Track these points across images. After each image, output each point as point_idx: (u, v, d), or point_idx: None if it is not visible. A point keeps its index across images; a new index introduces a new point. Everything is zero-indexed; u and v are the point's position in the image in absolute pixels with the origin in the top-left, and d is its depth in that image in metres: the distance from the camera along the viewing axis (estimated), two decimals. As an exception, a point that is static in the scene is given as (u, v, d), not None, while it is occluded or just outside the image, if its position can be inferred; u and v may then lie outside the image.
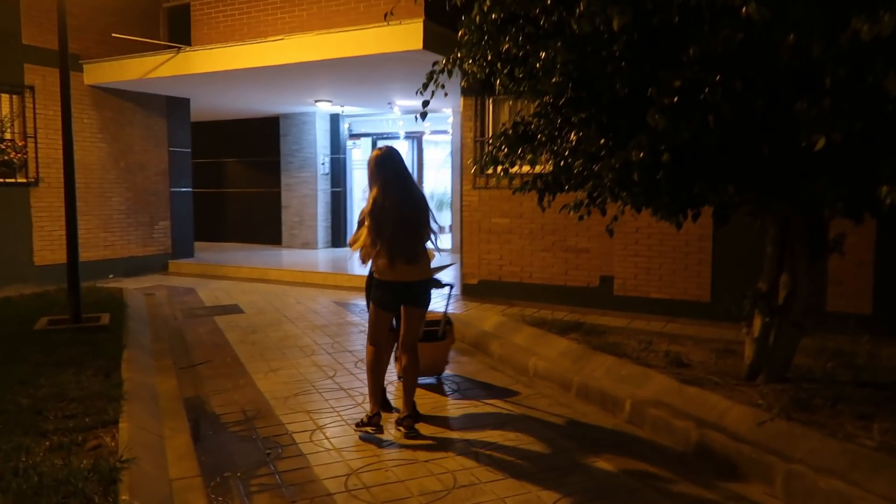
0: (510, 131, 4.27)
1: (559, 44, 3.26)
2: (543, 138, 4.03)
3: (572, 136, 3.64)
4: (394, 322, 4.69)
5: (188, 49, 9.85)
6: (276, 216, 15.15)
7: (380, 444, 4.25)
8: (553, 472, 3.82)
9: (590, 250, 8.38)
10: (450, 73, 4.17)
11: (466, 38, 4.01)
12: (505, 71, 4.08)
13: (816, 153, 2.79)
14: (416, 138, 14.68)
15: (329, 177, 14.79)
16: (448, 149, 14.43)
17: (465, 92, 9.08)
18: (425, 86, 4.18)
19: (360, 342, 6.82)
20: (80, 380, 4.61)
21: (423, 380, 5.42)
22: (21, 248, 10.06)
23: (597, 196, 4.36)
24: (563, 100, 3.60)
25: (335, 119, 14.75)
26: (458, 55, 4.10)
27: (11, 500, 2.81)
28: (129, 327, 6.38)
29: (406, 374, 4.48)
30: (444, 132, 14.39)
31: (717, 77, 2.87)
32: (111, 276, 11.29)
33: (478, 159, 4.56)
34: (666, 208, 3.65)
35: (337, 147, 14.88)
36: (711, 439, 4.04)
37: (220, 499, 3.50)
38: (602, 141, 3.51)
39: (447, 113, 13.52)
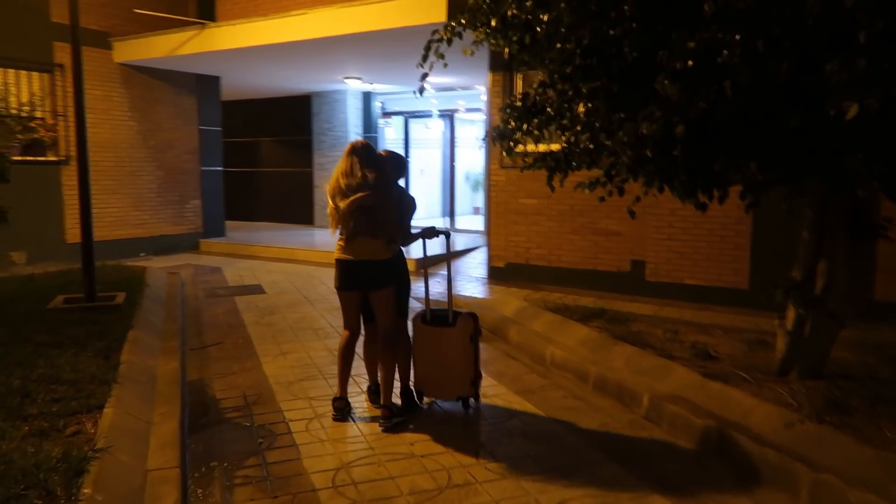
0: (519, 103, 3.94)
1: (563, 5, 2.93)
2: (552, 111, 3.69)
3: (580, 109, 3.30)
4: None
5: (212, 25, 9.73)
6: (307, 196, 15.08)
7: (377, 436, 4.04)
8: (556, 472, 3.55)
9: (621, 233, 7.99)
10: (449, 42, 3.86)
11: (471, 1, 3.71)
12: (514, 38, 3.75)
13: (849, 123, 2.41)
14: (449, 116, 14.36)
15: (361, 156, 14.59)
16: (483, 127, 14.09)
17: (493, 66, 8.73)
18: (424, 57, 3.89)
19: (375, 325, 6.60)
20: (77, 361, 4.52)
21: (445, 404, 4.56)
22: (52, 227, 10.16)
23: (614, 174, 4.01)
24: (569, 68, 3.27)
25: (367, 97, 14.53)
26: (462, 21, 3.79)
27: (-32, 490, 2.68)
28: (142, 307, 6.31)
29: (381, 364, 4.26)
30: (478, 110, 14.04)
31: (737, 37, 2.50)
32: (142, 254, 11.37)
33: (486, 134, 4.24)
34: (683, 187, 3.29)
35: (369, 126, 14.68)
36: (733, 440, 3.71)
37: (200, 491, 3.34)
38: (614, 114, 3.17)
39: (481, 90, 13.16)
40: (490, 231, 9.15)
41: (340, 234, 4.19)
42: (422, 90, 4.08)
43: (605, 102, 3.15)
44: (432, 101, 14.31)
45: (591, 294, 7.90)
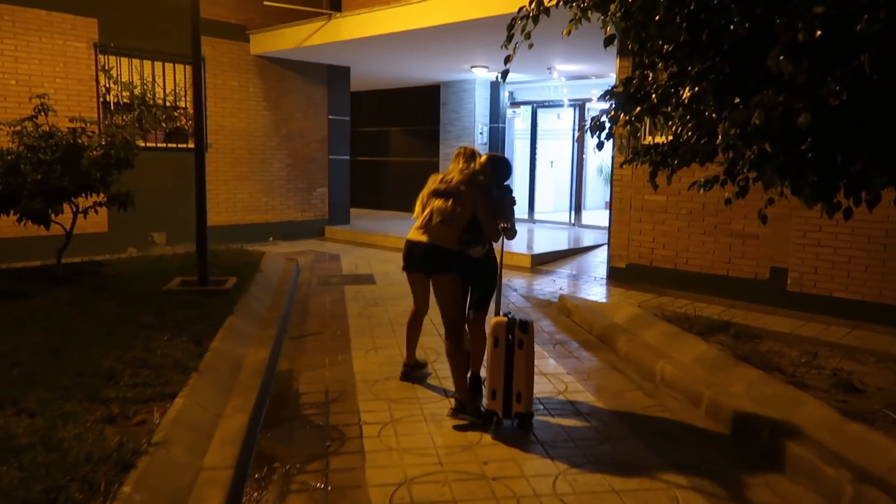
0: (619, 88, 3.45)
1: (661, -35, 2.44)
2: (656, 98, 3.17)
3: (685, 94, 2.77)
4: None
5: (338, 15, 9.82)
6: (433, 186, 15.02)
7: (449, 449, 3.74)
8: (642, 516, 3.07)
9: (759, 236, 7.13)
10: (535, 20, 3.45)
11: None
12: (618, 15, 3.26)
13: None
14: (579, 106, 13.70)
15: (487, 147, 14.32)
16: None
17: (622, 51, 8.09)
18: (509, 38, 3.49)
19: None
20: (170, 345, 4.60)
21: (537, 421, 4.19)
22: (189, 210, 10.64)
23: (737, 172, 3.41)
24: (670, 46, 2.74)
25: (495, 86, 14.21)
26: (553, -6, 3.36)
27: (19, 474, 2.69)
28: (249, 293, 6.42)
29: (446, 356, 4.27)
30: (611, 99, 13.28)
31: (880, -5, 1.91)
32: (271, 238, 11.82)
33: (585, 125, 3.77)
34: (813, 190, 2.66)
35: (496, 116, 14.35)
36: (871, 500, 3.03)
37: (256, 494, 3.21)
38: (727, 99, 2.62)
39: (614, 78, 12.41)
40: (611, 229, 8.54)
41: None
42: (504, 75, 3.69)
43: (714, 86, 2.61)
44: (563, 91, 13.72)
45: (721, 302, 7.11)
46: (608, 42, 3.23)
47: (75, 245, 9.19)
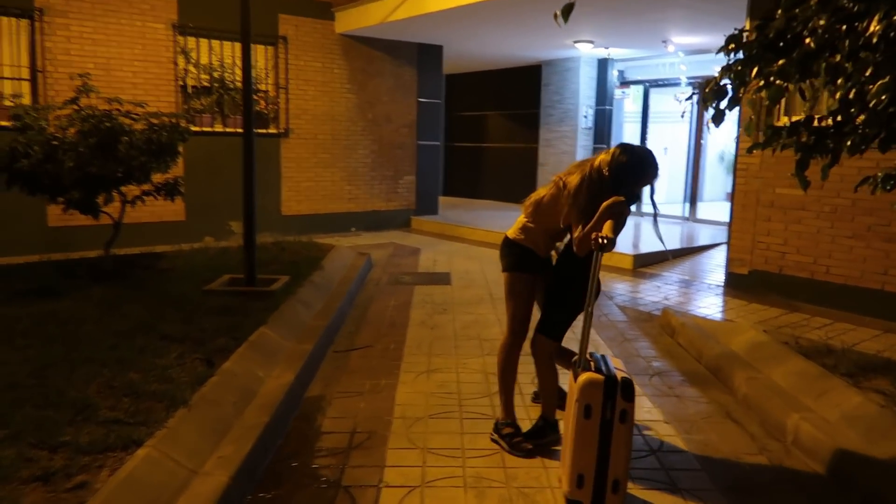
0: (751, 35, 2.28)
1: None
2: (813, 44, 1.99)
3: (873, 27, 1.59)
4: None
5: (421, -15, 8.90)
6: (531, 174, 13.89)
7: (488, 539, 2.75)
8: None
9: (929, 242, 5.57)
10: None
11: None
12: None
13: None
14: (700, 85, 12.06)
15: (592, 132, 13.00)
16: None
17: (753, 12, 6.68)
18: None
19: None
20: (179, 364, 3.90)
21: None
22: (270, 199, 10.27)
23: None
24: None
25: (603, 65, 12.84)
26: None
27: None
28: (297, 296, 5.67)
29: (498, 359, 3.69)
30: (737, 76, 11.57)
31: None
32: (353, 229, 11.19)
33: (701, 94, 2.63)
34: None
35: (603, 97, 12.98)
36: None
37: None
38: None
39: (741, 51, 10.76)
40: (732, 227, 7.14)
41: None
42: (568, 11, 2.61)
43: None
44: (681, 68, 12.14)
45: (873, 324, 5.64)
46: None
47: (154, 234, 8.93)
